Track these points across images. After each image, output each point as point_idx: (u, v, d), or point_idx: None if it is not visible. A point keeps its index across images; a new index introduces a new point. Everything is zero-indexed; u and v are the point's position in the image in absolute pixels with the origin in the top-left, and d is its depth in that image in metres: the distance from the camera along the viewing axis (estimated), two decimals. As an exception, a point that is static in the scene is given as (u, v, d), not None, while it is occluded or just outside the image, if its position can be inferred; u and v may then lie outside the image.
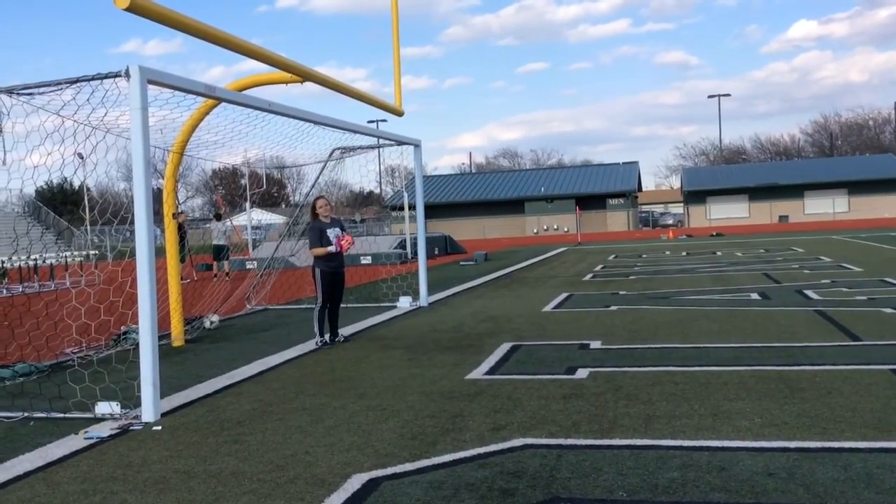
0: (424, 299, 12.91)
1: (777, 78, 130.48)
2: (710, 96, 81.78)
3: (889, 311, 9.64)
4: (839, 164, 64.92)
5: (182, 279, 11.16)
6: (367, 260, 23.21)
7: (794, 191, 60.04)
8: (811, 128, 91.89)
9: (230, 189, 73.31)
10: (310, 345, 8.97)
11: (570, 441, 4.83)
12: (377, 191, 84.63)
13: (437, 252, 28.95)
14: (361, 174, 31.57)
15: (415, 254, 17.00)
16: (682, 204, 67.31)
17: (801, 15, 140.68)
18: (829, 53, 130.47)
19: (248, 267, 20.11)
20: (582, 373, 6.80)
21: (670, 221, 66.19)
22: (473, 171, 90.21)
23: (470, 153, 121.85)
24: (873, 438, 4.60)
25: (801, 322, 9.13)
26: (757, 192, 61.06)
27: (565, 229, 56.82)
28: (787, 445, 4.54)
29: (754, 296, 11.99)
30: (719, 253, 23.72)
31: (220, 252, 20.31)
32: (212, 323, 10.76)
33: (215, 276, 19.58)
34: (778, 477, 4.01)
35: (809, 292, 11.97)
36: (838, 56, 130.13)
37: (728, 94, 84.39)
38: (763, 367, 6.69)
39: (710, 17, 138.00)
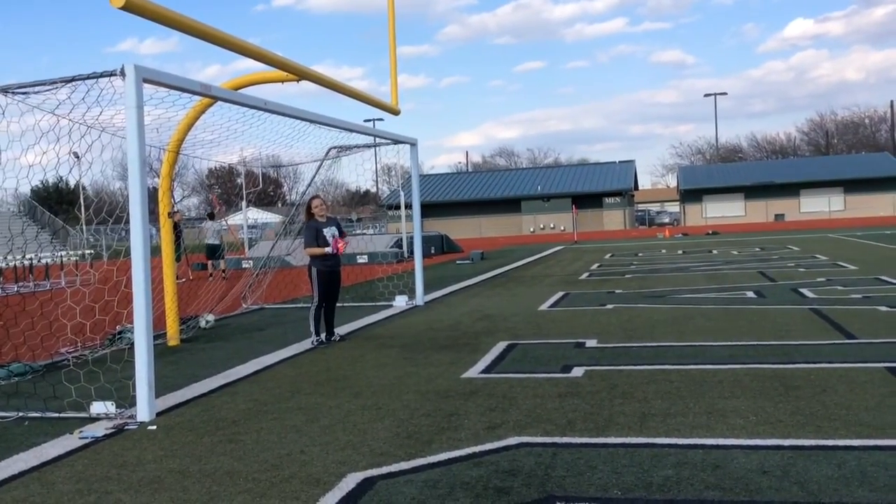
0: (420, 298, 12.91)
1: (773, 77, 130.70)
2: (706, 95, 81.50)
3: (884, 309, 9.66)
4: (835, 163, 65.00)
5: (177, 278, 11.16)
6: (363, 259, 23.20)
7: (790, 189, 60.11)
8: (807, 126, 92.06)
9: (226, 188, 73.21)
10: (306, 344, 8.97)
11: (565, 439, 4.84)
12: (374, 190, 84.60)
13: (433, 251, 28.94)
14: (358, 173, 31.68)
15: (411, 253, 16.99)
16: (678, 202, 67.37)
17: (797, 14, 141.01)
18: (826, 52, 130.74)
19: (244, 266, 20.10)
20: (577, 371, 6.81)
21: (666, 220, 66.21)
22: (470, 170, 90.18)
23: (466, 152, 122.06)
24: (868, 436, 4.61)
25: (796, 320, 9.15)
26: (753, 191, 61.13)
27: (562, 228, 56.85)
28: (781, 443, 4.55)
29: (750, 294, 12.01)
30: (715, 251, 23.75)
31: (213, 251, 20.29)
32: (207, 322, 10.75)
33: (210, 275, 19.56)
34: (772, 475, 4.02)
35: (805, 290, 12.00)
36: (835, 55, 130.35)
37: (724, 93, 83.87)
38: (758, 365, 6.70)
39: (707, 15, 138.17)
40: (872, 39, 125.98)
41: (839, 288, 12.20)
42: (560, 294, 13.37)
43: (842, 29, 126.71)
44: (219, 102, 8.61)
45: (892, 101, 79.12)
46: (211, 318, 10.96)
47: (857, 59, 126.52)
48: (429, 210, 53.64)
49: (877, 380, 5.97)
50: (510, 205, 61.81)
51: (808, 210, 59.19)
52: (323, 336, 9.05)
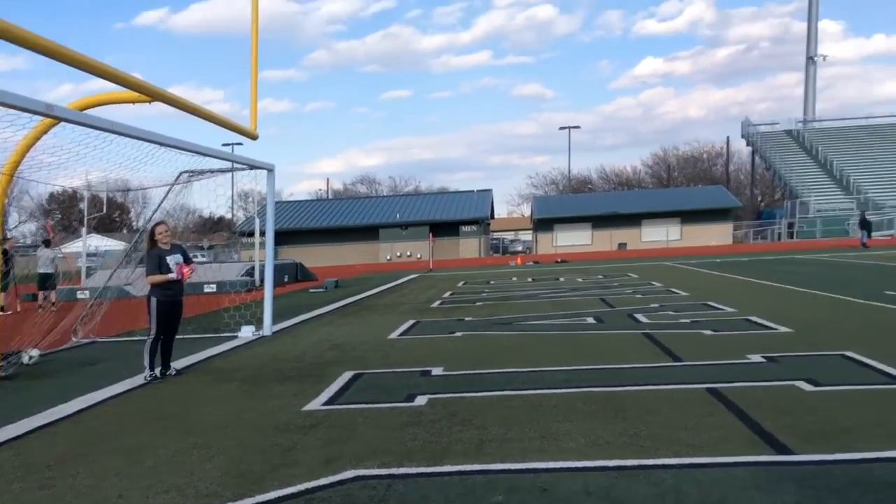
0: (268, 328, 12.57)
1: (624, 112, 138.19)
2: (561, 128, 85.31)
3: (708, 332, 10.34)
4: (674, 195, 69.44)
5: (2, 310, 10.29)
6: (211, 288, 22.36)
7: (633, 219, 63.59)
8: (651, 160, 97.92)
9: (67, 214, 68.73)
10: (138, 379, 8.47)
11: (401, 470, 4.81)
12: (229, 216, 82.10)
13: (286, 279, 28.34)
14: (210, 199, 30.54)
15: (262, 281, 16.54)
16: (531, 231, 69.71)
17: (648, 52, 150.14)
18: (672, 90, 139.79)
19: (78, 297, 18.85)
20: (421, 400, 6.81)
21: (520, 248, 68.33)
22: (331, 196, 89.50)
23: (327, 179, 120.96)
24: (685, 455, 4.87)
25: (629, 344, 9.60)
26: (600, 221, 64.19)
27: (418, 256, 57.35)
28: (606, 464, 4.73)
29: (590, 320, 12.53)
30: (562, 279, 24.65)
31: (45, 281, 18.97)
32: (31, 358, 9.96)
33: (40, 306, 18.21)
34: (596, 496, 4.16)
35: (639, 316, 12.65)
36: (680, 92, 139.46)
37: (578, 127, 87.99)
38: (591, 389, 6.96)
39: (567, 52, 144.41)
40: (714, 78, 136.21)
41: (670, 313, 12.95)
42: (411, 322, 13.41)
43: (688, 68, 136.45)
44: (63, 123, 8.12)
45: (727, 137, 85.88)
46: (35, 353, 10.17)
47: (700, 97, 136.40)
48: (286, 237, 52.66)
49: (696, 400, 6.34)
50: (368, 232, 61.75)
51: (649, 239, 62.78)
52: (157, 371, 8.59)
